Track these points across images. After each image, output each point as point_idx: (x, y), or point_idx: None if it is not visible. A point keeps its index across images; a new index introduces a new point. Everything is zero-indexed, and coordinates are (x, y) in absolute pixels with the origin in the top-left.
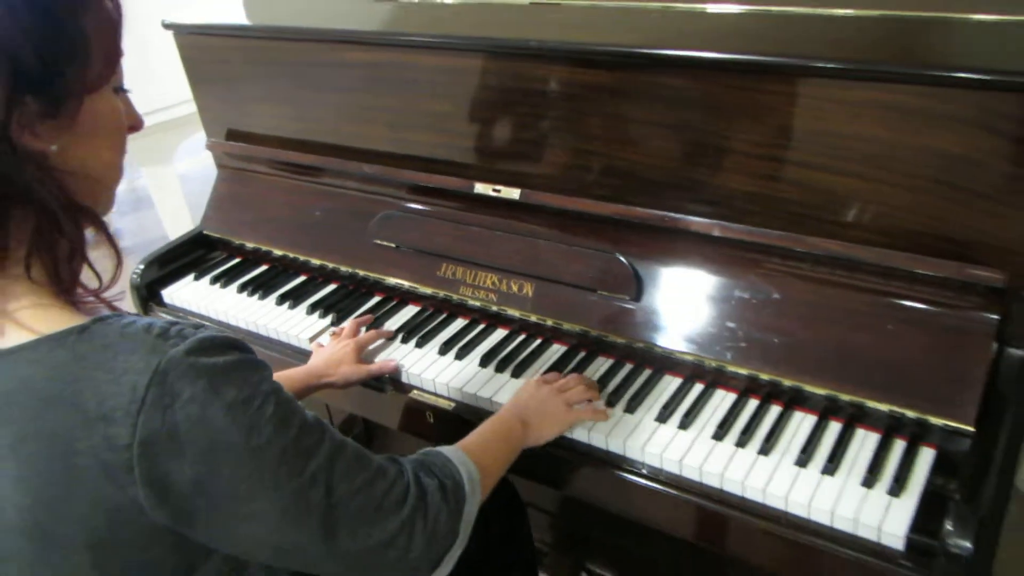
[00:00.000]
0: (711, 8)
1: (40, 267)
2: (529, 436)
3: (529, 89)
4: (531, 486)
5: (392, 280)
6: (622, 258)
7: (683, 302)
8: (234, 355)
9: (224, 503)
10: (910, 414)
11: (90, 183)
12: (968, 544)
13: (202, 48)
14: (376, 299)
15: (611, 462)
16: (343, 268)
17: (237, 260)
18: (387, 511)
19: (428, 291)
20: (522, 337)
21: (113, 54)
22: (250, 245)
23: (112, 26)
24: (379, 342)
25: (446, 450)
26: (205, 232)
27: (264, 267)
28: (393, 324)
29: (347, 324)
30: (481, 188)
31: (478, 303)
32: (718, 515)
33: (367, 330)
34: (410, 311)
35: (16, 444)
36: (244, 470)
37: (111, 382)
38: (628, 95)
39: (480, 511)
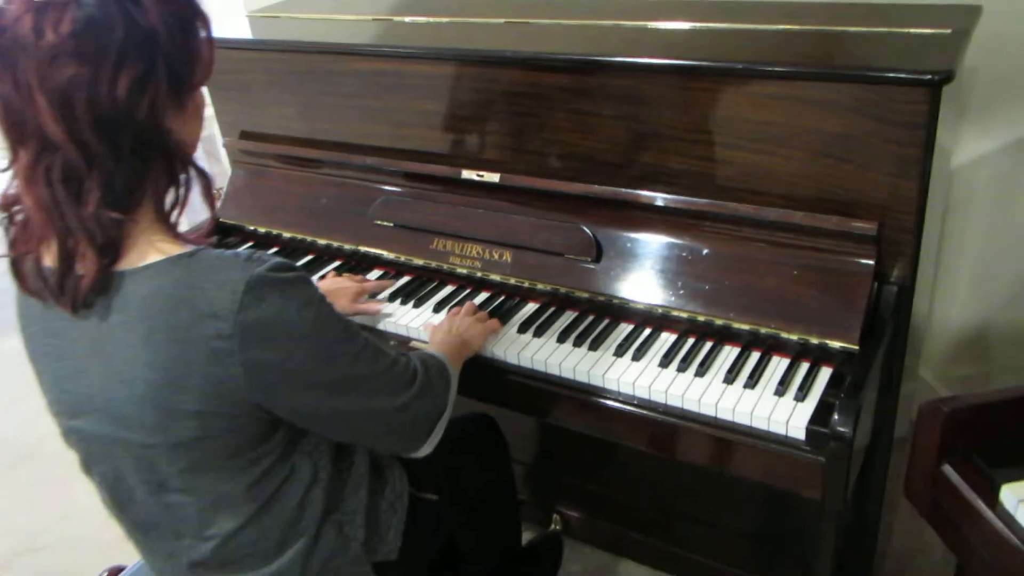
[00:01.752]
0: (651, 24)
1: (162, 210)
2: (465, 345)
3: (505, 91)
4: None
5: (389, 255)
6: (584, 227)
7: (634, 260)
8: (295, 272)
9: (295, 378)
10: (812, 340)
11: (187, 153)
12: (849, 429)
13: (220, 59)
14: (376, 272)
15: (579, 389)
16: (346, 246)
17: (250, 244)
18: (404, 384)
19: (421, 262)
20: (502, 298)
21: (211, 62)
22: (262, 230)
23: (211, 42)
24: (383, 305)
25: (429, 349)
26: (221, 219)
27: (275, 249)
28: (390, 289)
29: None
30: (467, 174)
31: (464, 271)
32: (665, 424)
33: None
34: (405, 280)
35: (149, 335)
36: (310, 353)
37: (217, 290)
38: (585, 94)
39: (465, 440)
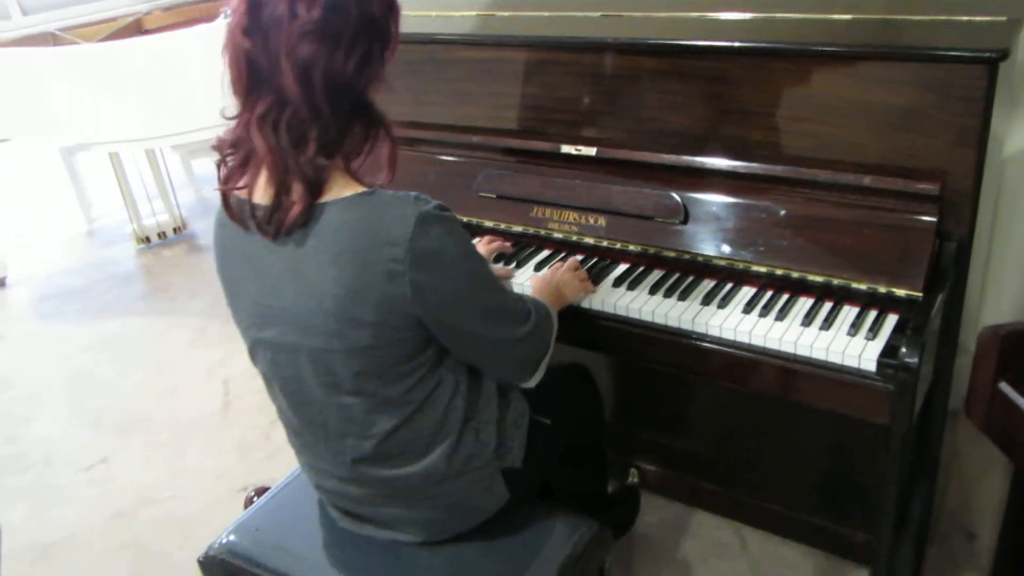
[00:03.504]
0: (731, 16)
1: (353, 159)
2: (562, 296)
3: (602, 73)
4: None
5: (491, 223)
6: (673, 194)
7: (718, 222)
8: (451, 212)
9: (449, 299)
10: (880, 289)
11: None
12: (916, 360)
13: None
14: (476, 239)
15: (672, 332)
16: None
17: None
18: (523, 319)
19: (520, 229)
20: (596, 259)
21: (397, 44)
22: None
23: (399, 27)
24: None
25: (534, 295)
26: None
27: None
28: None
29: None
30: (565, 148)
31: (561, 235)
32: (751, 361)
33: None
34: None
35: (337, 257)
36: (461, 278)
37: (394, 221)
38: (675, 75)
39: (566, 384)
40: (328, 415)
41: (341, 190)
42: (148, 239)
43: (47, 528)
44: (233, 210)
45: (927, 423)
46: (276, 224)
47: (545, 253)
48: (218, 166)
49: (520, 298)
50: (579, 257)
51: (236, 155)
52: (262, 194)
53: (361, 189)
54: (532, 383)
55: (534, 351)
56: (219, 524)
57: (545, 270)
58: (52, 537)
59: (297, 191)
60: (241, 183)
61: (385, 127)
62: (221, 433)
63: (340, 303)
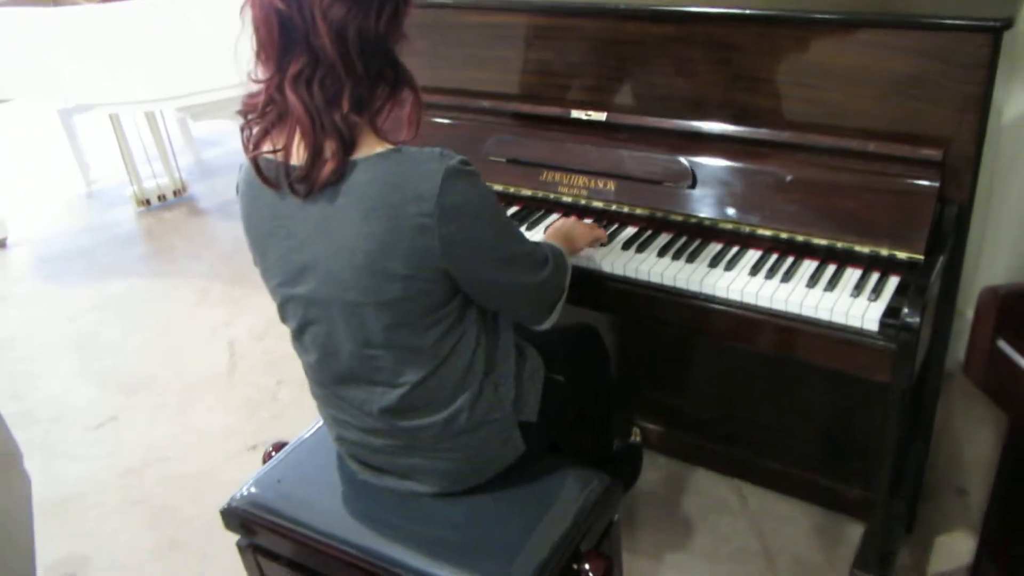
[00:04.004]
0: None
1: (379, 116)
2: (573, 243)
3: (611, 39)
4: None
5: (499, 186)
6: (681, 159)
7: (725, 185)
8: (474, 167)
9: (474, 250)
10: (883, 252)
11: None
12: (917, 319)
13: None
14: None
15: (680, 293)
16: None
17: None
18: (542, 264)
19: (529, 193)
20: (604, 222)
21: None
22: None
23: None
24: None
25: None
26: None
27: None
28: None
29: None
30: (576, 113)
31: (570, 199)
32: (757, 321)
33: None
34: (515, 208)
35: (368, 212)
36: (487, 229)
37: (421, 177)
38: (684, 41)
39: (577, 341)
40: (357, 367)
41: (371, 147)
42: (148, 201)
43: (59, 483)
44: (264, 173)
45: (923, 383)
46: (310, 182)
47: (555, 216)
48: (242, 130)
49: (538, 245)
50: (587, 221)
51: (265, 117)
52: (296, 154)
53: (388, 146)
54: (547, 324)
55: (551, 294)
56: (230, 481)
57: (557, 221)
58: (65, 492)
59: (331, 148)
60: (276, 145)
61: (410, 82)
62: (227, 393)
63: (371, 257)
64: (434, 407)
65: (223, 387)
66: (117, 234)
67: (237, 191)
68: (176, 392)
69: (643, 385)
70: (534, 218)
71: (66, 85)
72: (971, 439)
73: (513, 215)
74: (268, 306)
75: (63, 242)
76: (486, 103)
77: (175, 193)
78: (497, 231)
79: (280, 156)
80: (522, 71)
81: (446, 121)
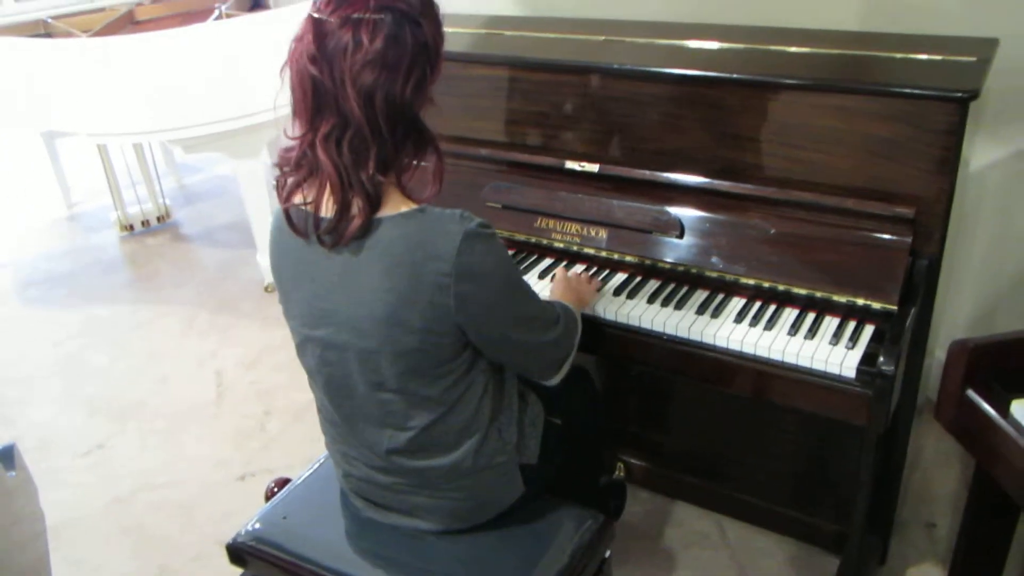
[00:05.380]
0: (729, 45)
1: (405, 175)
2: (581, 299)
3: (604, 96)
4: None
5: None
6: (669, 210)
7: (712, 237)
8: (493, 229)
9: (488, 310)
10: (859, 301)
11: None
12: (892, 367)
13: None
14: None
15: (668, 339)
16: None
17: None
18: (553, 323)
19: (523, 238)
20: (595, 268)
21: (442, 65)
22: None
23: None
24: None
25: (557, 298)
26: None
27: None
28: None
29: None
30: (570, 164)
31: (563, 245)
32: (740, 367)
33: None
34: (509, 253)
35: (390, 268)
36: (501, 290)
37: (442, 238)
38: (675, 100)
39: (570, 384)
40: (369, 409)
41: (396, 206)
42: (132, 227)
43: (50, 510)
44: (294, 222)
45: (895, 420)
46: (336, 236)
47: (548, 262)
48: (277, 181)
49: (549, 304)
50: (579, 267)
51: (298, 171)
52: (326, 208)
53: (413, 206)
54: (556, 380)
55: (561, 352)
56: (219, 510)
57: (547, 282)
58: (54, 519)
59: (358, 205)
60: (306, 198)
61: (434, 144)
62: (216, 422)
63: (391, 310)
64: (441, 450)
65: (211, 416)
66: (100, 259)
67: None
68: (165, 419)
69: (627, 421)
70: (528, 263)
71: (58, 116)
72: (938, 473)
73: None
74: (255, 337)
75: (46, 266)
76: (485, 151)
77: (159, 219)
78: (511, 292)
79: (310, 208)
80: (520, 122)
81: (447, 167)
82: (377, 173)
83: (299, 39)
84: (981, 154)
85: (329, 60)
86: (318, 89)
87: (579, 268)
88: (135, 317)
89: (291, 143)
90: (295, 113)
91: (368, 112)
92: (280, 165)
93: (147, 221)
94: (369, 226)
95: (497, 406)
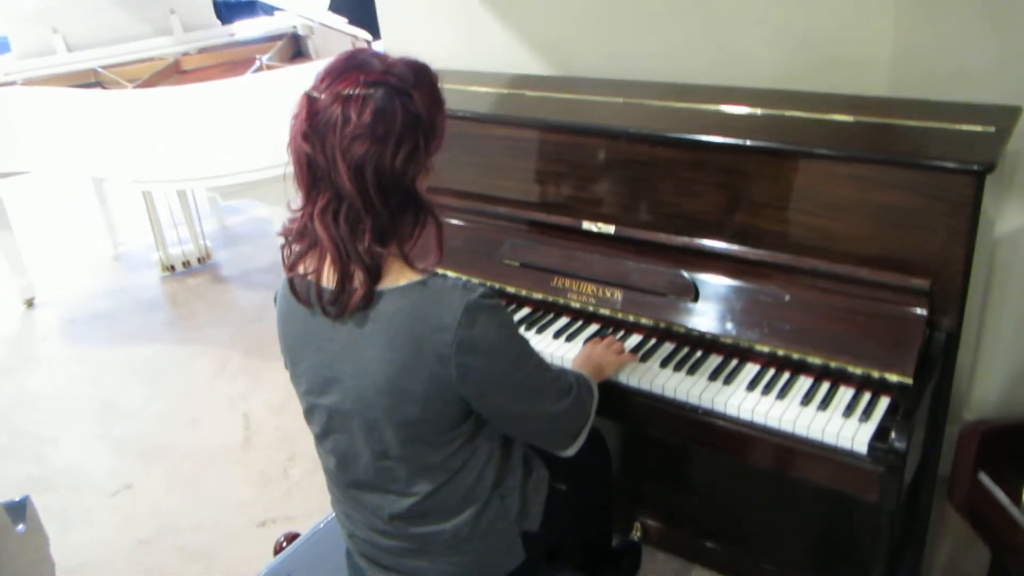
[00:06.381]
0: (745, 110)
1: (407, 246)
2: (601, 370)
3: (623, 159)
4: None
5: (512, 289)
6: (684, 273)
7: (726, 302)
8: (498, 300)
9: (491, 381)
10: (874, 374)
11: (432, 205)
12: (904, 445)
13: None
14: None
15: (679, 405)
16: (476, 280)
17: None
18: (564, 394)
19: (539, 296)
20: (611, 329)
21: (443, 136)
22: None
23: (445, 120)
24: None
25: (575, 368)
26: None
27: None
28: (514, 318)
29: None
30: (586, 225)
31: (578, 305)
32: (751, 437)
33: None
34: (525, 311)
35: (392, 339)
36: (505, 362)
37: (444, 309)
38: (691, 165)
39: (585, 456)
40: (373, 475)
41: (397, 277)
42: (173, 267)
43: (74, 550)
44: (299, 291)
45: (916, 492)
46: (340, 307)
47: (564, 321)
48: (283, 250)
49: (562, 373)
50: (594, 327)
51: (301, 242)
52: (327, 278)
53: (415, 277)
54: (572, 452)
55: (575, 423)
56: (240, 556)
57: (561, 342)
58: (78, 559)
59: (359, 277)
60: (308, 268)
61: (432, 213)
62: (241, 466)
63: (393, 381)
64: (442, 516)
65: (237, 459)
66: (141, 298)
67: (275, 301)
68: (192, 461)
69: (644, 481)
70: (544, 322)
71: (102, 163)
72: (966, 551)
73: (524, 318)
74: (284, 382)
75: (89, 304)
76: (503, 209)
77: (199, 260)
78: (515, 363)
79: (313, 278)
80: (538, 181)
81: (466, 224)
82: (375, 245)
83: (296, 116)
84: (1012, 220)
85: (321, 136)
86: (312, 165)
87: (593, 329)
88: (172, 357)
89: (295, 215)
90: (297, 186)
91: (359, 185)
92: (285, 235)
93: (188, 262)
94: (371, 298)
95: (501, 473)
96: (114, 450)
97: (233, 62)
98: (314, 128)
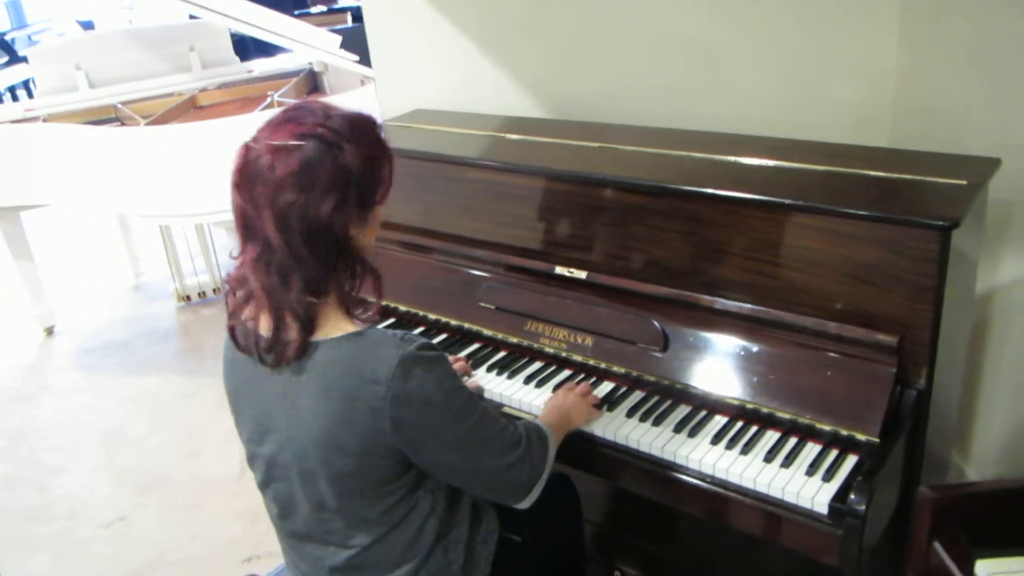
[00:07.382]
0: (716, 157)
1: (343, 296)
2: (570, 420)
3: (595, 205)
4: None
5: (488, 332)
6: (655, 322)
7: (696, 352)
8: (436, 352)
9: (428, 435)
10: (842, 431)
11: (365, 256)
12: (863, 507)
13: None
14: (475, 345)
15: (642, 457)
16: (453, 322)
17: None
18: (511, 447)
19: (515, 340)
20: (582, 376)
21: (390, 187)
22: (383, 302)
23: (392, 172)
24: (481, 374)
25: (538, 419)
26: None
27: (392, 319)
28: (489, 362)
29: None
30: (559, 270)
31: (552, 350)
32: (710, 492)
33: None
34: (500, 354)
35: (326, 391)
36: (441, 416)
37: (378, 362)
38: (660, 213)
39: (545, 505)
40: (312, 527)
41: (332, 328)
42: (189, 297)
43: None
44: (239, 339)
45: (893, 556)
46: (276, 356)
47: (536, 366)
48: (226, 298)
49: (509, 425)
50: (565, 373)
51: (243, 290)
52: (265, 327)
53: (351, 328)
54: (526, 505)
55: (525, 476)
56: None
57: (531, 387)
58: None
59: (293, 327)
60: (248, 316)
61: (369, 267)
62: (233, 500)
63: (327, 433)
64: (382, 569)
65: (230, 493)
66: (156, 328)
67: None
68: (187, 494)
69: (623, 529)
70: (516, 366)
71: (118, 199)
72: None
73: (497, 361)
74: None
75: (106, 333)
76: (480, 252)
77: (215, 290)
78: (454, 416)
79: (252, 326)
80: (512, 225)
81: (444, 265)
82: (306, 296)
83: (233, 165)
84: (1006, 271)
85: (250, 186)
86: (244, 214)
87: (565, 375)
88: (179, 389)
89: (236, 262)
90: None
91: (286, 235)
92: (228, 283)
93: (203, 292)
94: (305, 348)
95: (445, 526)
96: (113, 481)
97: (249, 98)
98: (245, 177)
